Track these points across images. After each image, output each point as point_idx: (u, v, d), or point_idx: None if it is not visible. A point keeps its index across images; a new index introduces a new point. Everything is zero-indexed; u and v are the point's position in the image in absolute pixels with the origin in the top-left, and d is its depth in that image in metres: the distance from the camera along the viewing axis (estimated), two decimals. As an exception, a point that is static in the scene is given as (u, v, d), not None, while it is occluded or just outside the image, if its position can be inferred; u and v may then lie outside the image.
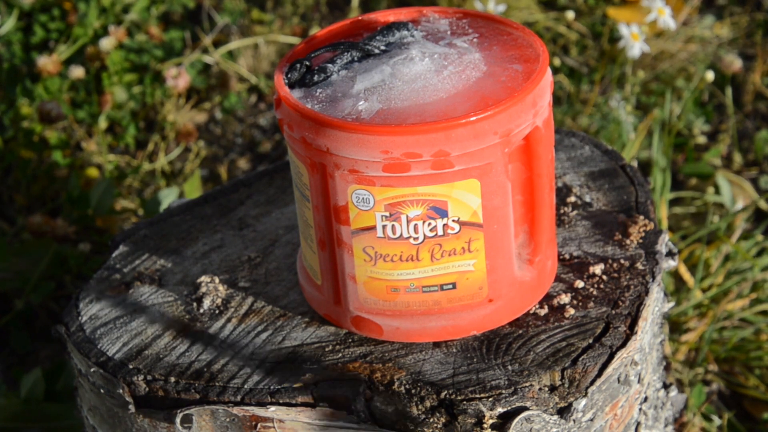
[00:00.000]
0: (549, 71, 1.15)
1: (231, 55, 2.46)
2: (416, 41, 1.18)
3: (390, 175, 1.09)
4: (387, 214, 1.12)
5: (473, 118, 1.08)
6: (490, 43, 1.18)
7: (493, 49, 1.17)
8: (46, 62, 2.21)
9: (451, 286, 1.15)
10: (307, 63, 1.16)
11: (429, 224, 1.12)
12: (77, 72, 2.25)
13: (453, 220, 1.12)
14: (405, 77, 1.13)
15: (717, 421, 1.72)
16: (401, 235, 1.13)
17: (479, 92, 1.12)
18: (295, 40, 2.51)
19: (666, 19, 2.02)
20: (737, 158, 2.28)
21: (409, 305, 1.16)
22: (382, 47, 1.17)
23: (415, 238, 1.13)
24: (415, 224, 1.12)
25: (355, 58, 1.16)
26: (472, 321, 1.17)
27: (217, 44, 2.48)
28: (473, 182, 1.11)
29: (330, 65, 1.15)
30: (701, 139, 2.30)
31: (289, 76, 1.15)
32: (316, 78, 1.14)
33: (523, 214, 1.17)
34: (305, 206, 1.17)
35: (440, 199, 1.11)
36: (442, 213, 1.12)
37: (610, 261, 1.26)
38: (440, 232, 1.13)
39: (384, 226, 1.12)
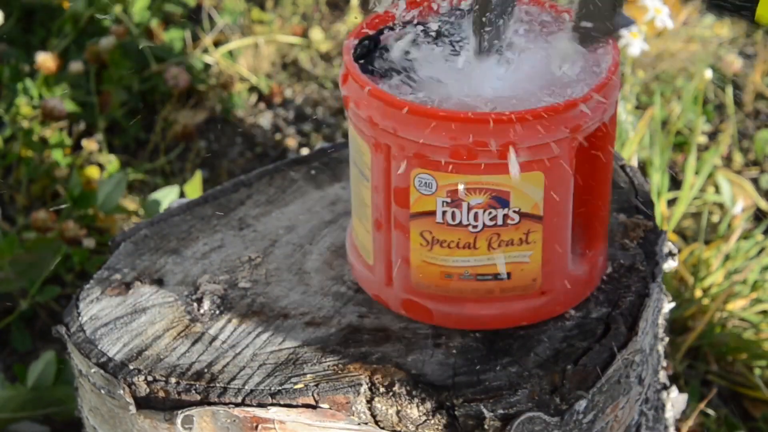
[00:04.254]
0: (619, 67, 1.15)
1: (231, 55, 2.46)
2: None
3: (456, 161, 1.09)
4: (448, 200, 1.12)
5: (544, 113, 1.08)
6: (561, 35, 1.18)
7: (563, 38, 1.17)
8: (46, 59, 2.21)
9: (505, 276, 1.15)
10: (375, 41, 1.15)
11: (489, 213, 1.12)
12: (76, 67, 2.24)
13: (514, 211, 1.12)
14: (478, 63, 1.13)
15: (717, 419, 1.72)
16: (460, 222, 1.12)
17: (552, 84, 1.12)
18: (295, 39, 2.51)
19: (663, 17, 2.02)
20: (737, 158, 2.28)
21: (461, 292, 1.16)
22: (457, 30, 1.16)
23: (474, 226, 1.12)
24: (476, 212, 1.12)
25: (428, 39, 1.15)
26: (523, 312, 1.17)
27: (217, 44, 2.48)
28: (538, 175, 1.11)
29: (400, 43, 1.14)
30: (701, 139, 2.30)
31: (357, 52, 1.14)
32: (384, 56, 1.13)
33: (579, 208, 1.17)
34: (363, 185, 1.17)
35: (503, 189, 1.11)
36: (504, 203, 1.12)
37: (610, 261, 1.26)
38: (500, 222, 1.12)
39: (444, 212, 1.12)
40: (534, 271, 1.16)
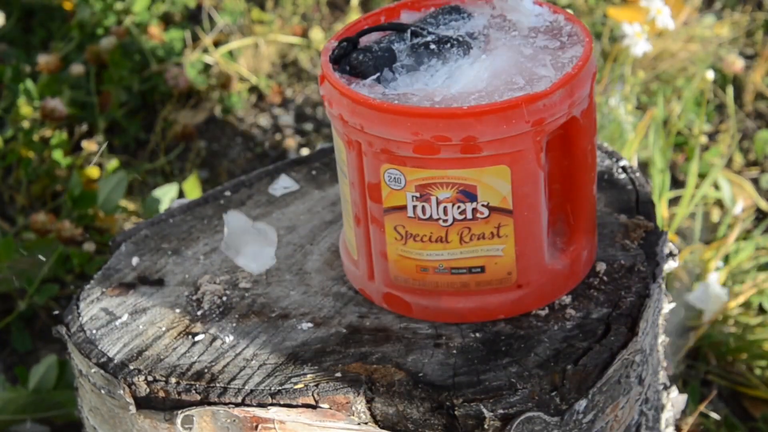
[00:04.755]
0: (593, 61, 1.16)
1: (231, 55, 2.46)
2: (467, 26, 1.20)
3: (420, 156, 1.11)
4: (417, 194, 1.13)
5: (503, 106, 1.09)
6: (535, 31, 1.20)
7: (538, 36, 1.19)
8: (47, 60, 2.21)
9: (479, 270, 1.17)
10: (354, 43, 1.17)
11: (458, 207, 1.13)
12: (77, 69, 2.24)
13: (482, 205, 1.13)
14: (449, 62, 1.15)
15: (717, 420, 1.72)
16: (431, 216, 1.14)
17: (518, 79, 1.13)
18: (295, 39, 2.51)
19: (664, 18, 2.02)
20: (737, 158, 2.28)
21: (437, 285, 1.18)
22: (432, 31, 1.18)
23: (445, 220, 1.14)
24: (445, 206, 1.13)
25: (404, 40, 1.17)
26: (500, 305, 1.18)
27: (217, 44, 2.48)
28: (503, 168, 1.12)
29: (375, 45, 1.16)
30: (702, 139, 2.30)
31: (334, 53, 1.17)
32: (361, 58, 1.15)
33: (560, 203, 1.18)
34: (344, 182, 1.19)
35: (470, 183, 1.12)
36: (472, 197, 1.13)
37: (610, 262, 1.26)
38: (469, 216, 1.14)
39: (414, 207, 1.14)
40: (508, 265, 1.16)
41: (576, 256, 1.21)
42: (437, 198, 1.13)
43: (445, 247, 1.16)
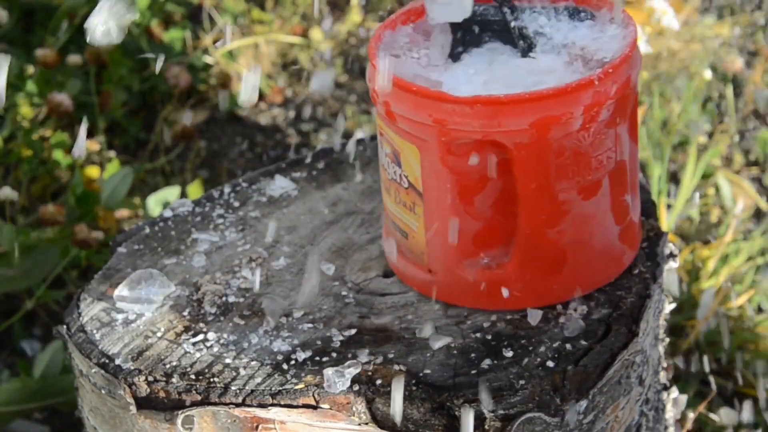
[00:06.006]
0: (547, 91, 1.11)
1: (231, 55, 2.46)
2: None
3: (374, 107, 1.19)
4: (378, 141, 1.21)
5: (415, 89, 1.12)
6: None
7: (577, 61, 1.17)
8: (45, 54, 2.20)
9: (404, 236, 1.20)
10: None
11: (392, 167, 1.18)
12: (74, 59, 2.24)
13: (403, 175, 1.17)
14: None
15: (717, 420, 1.72)
16: (381, 165, 1.21)
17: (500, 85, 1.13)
18: (295, 39, 2.51)
19: (669, 19, 2.02)
20: (737, 158, 2.28)
21: (391, 233, 1.23)
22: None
23: (386, 171, 1.19)
24: (388, 161, 1.19)
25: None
26: (413, 279, 1.22)
27: (216, 43, 2.48)
28: (413, 148, 1.14)
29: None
30: (702, 139, 2.30)
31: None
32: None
33: (510, 227, 1.15)
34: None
35: (396, 148, 1.16)
36: (398, 162, 1.17)
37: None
38: (398, 180, 1.18)
39: (380, 155, 1.22)
40: (421, 244, 1.19)
41: (495, 281, 1.17)
42: (385, 152, 1.18)
43: (388, 198, 1.21)
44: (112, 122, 2.31)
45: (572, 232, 1.16)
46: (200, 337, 1.21)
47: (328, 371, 1.11)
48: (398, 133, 1.15)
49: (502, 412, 1.12)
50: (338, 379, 1.11)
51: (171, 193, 2.03)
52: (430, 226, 1.17)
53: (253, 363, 1.17)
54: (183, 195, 2.08)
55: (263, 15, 2.58)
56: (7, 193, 1.97)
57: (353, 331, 1.20)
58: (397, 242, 1.22)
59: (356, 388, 1.13)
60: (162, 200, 2.02)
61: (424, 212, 1.16)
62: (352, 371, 1.12)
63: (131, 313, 1.23)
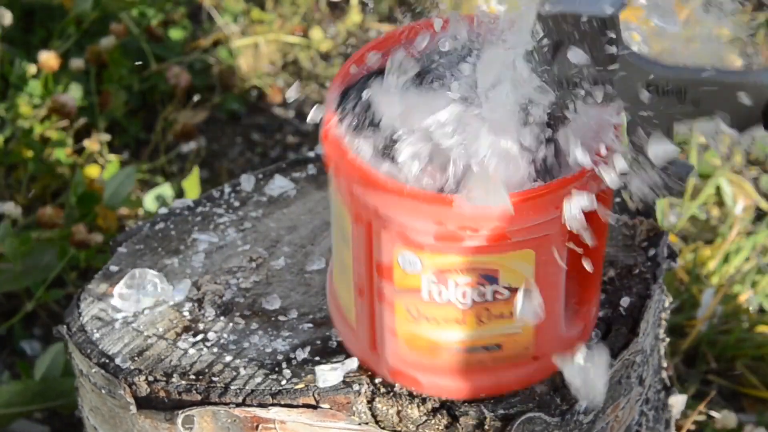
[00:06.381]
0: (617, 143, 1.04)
1: (231, 55, 2.46)
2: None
3: (442, 244, 1.02)
4: (435, 279, 1.04)
5: (533, 196, 1.00)
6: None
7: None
8: (48, 57, 2.21)
9: (496, 348, 1.09)
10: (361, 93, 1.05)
11: (478, 291, 1.05)
12: (77, 63, 2.24)
13: (503, 287, 1.05)
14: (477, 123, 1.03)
15: (716, 420, 1.72)
16: (448, 299, 1.06)
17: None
18: (295, 39, 2.51)
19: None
20: (737, 158, 2.28)
21: (451, 364, 1.10)
22: (447, 73, 1.06)
23: (463, 303, 1.06)
24: (464, 290, 1.05)
25: (415, 84, 1.05)
26: (516, 379, 1.12)
27: (217, 44, 2.48)
28: (528, 253, 1.04)
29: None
30: (701, 139, 2.30)
31: (343, 108, 1.05)
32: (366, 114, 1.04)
33: (576, 266, 1.10)
34: (345, 248, 1.09)
35: (492, 267, 1.04)
36: (493, 280, 1.05)
37: (611, 263, 1.26)
38: (489, 298, 1.06)
39: (430, 290, 1.05)
40: (527, 340, 1.10)
41: (587, 317, 1.15)
42: (456, 281, 1.05)
43: (462, 327, 1.07)
44: (112, 122, 2.31)
45: None
46: (200, 337, 1.21)
47: (320, 367, 1.11)
48: (501, 250, 1.03)
49: (502, 412, 1.12)
50: (330, 374, 1.11)
51: (167, 189, 2.03)
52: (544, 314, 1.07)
53: (254, 363, 1.17)
54: (179, 190, 2.08)
55: (263, 15, 2.58)
56: (10, 208, 1.98)
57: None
58: (479, 362, 1.10)
59: (356, 387, 1.13)
60: (157, 195, 2.02)
61: None
62: (345, 367, 1.12)
63: (129, 312, 1.23)
